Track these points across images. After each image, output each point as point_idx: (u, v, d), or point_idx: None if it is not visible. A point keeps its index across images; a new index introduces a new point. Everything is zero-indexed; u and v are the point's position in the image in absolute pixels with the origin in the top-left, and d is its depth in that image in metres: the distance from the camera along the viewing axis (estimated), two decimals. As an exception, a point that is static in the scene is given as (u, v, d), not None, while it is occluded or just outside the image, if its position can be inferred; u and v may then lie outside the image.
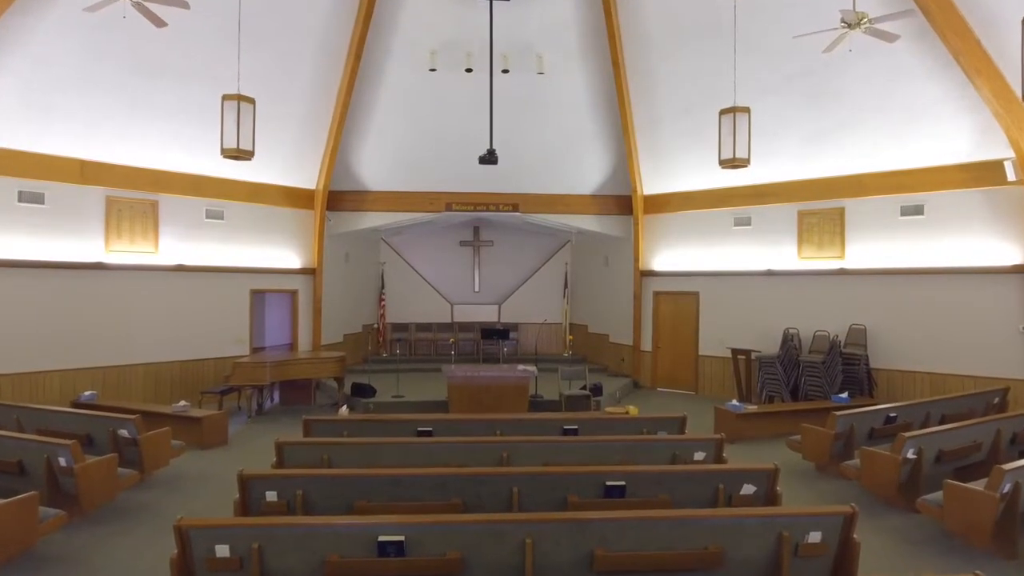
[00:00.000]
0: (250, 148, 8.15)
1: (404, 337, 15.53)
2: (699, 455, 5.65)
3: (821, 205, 11.02)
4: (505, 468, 4.72)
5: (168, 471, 6.95)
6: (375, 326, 11.72)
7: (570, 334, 13.70)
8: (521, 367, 10.16)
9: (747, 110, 8.45)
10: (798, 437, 7.35)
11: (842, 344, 10.27)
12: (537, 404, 10.60)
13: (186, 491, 6.61)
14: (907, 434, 5.82)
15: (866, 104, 9.98)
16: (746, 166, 8.56)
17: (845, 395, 9.37)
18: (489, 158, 9.27)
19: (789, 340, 10.65)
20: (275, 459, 5.40)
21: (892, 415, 7.31)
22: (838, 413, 6.91)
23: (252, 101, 8.09)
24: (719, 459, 5.65)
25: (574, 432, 6.40)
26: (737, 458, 6.70)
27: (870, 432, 7.17)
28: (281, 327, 12.99)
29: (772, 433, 8.90)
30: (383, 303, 15.26)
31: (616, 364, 13.80)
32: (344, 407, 7.98)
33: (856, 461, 6.27)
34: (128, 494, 6.17)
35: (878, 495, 6.03)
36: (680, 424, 6.62)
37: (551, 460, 5.46)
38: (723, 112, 8.57)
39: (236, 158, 8.22)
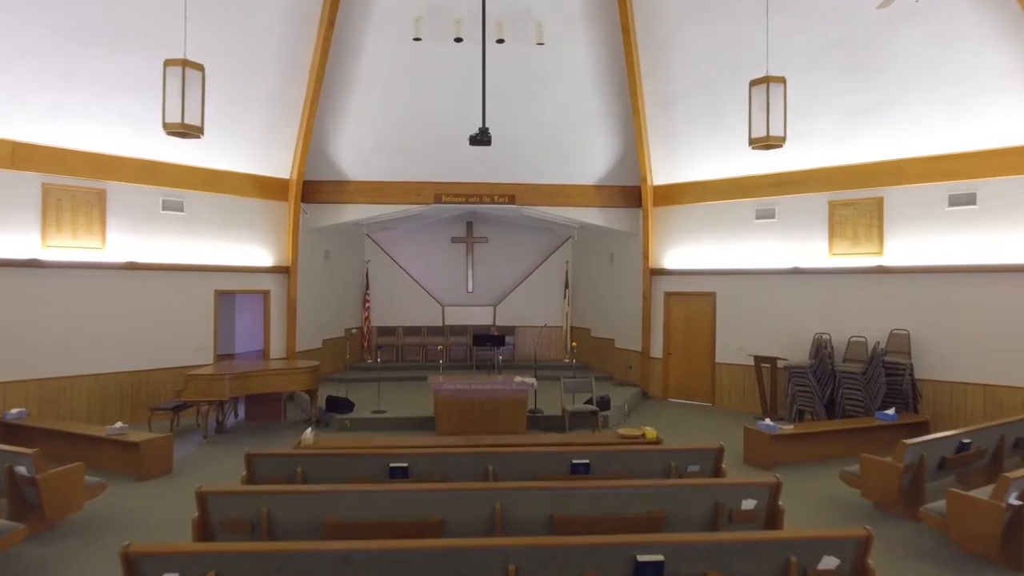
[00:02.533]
0: (198, 124, 6.86)
1: (391, 342, 14.26)
2: (748, 503, 4.39)
3: (856, 194, 9.77)
4: (498, 540, 3.47)
5: (82, 516, 5.64)
6: (353, 331, 10.47)
7: (573, 340, 12.41)
8: (519, 378, 8.89)
9: (782, 80, 7.20)
10: (855, 469, 6.09)
11: (883, 352, 9.02)
12: (537, 420, 9.33)
13: (94, 543, 5.29)
14: (1010, 475, 4.56)
15: (913, 76, 8.74)
16: (781, 145, 7.30)
17: (892, 412, 8.15)
18: (481, 138, 8.01)
19: (823, 348, 9.39)
20: (196, 514, 4.12)
21: (966, 441, 6.06)
22: (908, 442, 5.65)
23: (200, 68, 6.80)
24: (774, 510, 4.39)
25: (585, 469, 5.13)
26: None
27: (941, 462, 5.92)
28: (253, 332, 11.73)
29: (811, 457, 7.65)
30: (367, 305, 13.99)
31: (623, 372, 12.54)
32: (309, 431, 6.70)
33: (939, 505, 5.01)
34: (20, 550, 4.87)
35: (974, 551, 4.78)
36: (715, 458, 5.35)
37: (559, 511, 4.22)
38: (754, 83, 7.32)
39: (182, 135, 6.89)
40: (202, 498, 4.11)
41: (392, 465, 5.10)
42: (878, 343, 9.01)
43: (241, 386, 8.54)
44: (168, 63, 6.68)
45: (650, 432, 7.05)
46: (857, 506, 6.11)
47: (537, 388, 9.15)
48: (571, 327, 14.14)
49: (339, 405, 9.46)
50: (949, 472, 6.14)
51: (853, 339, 9.58)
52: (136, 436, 7.07)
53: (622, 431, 7.10)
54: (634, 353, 12.30)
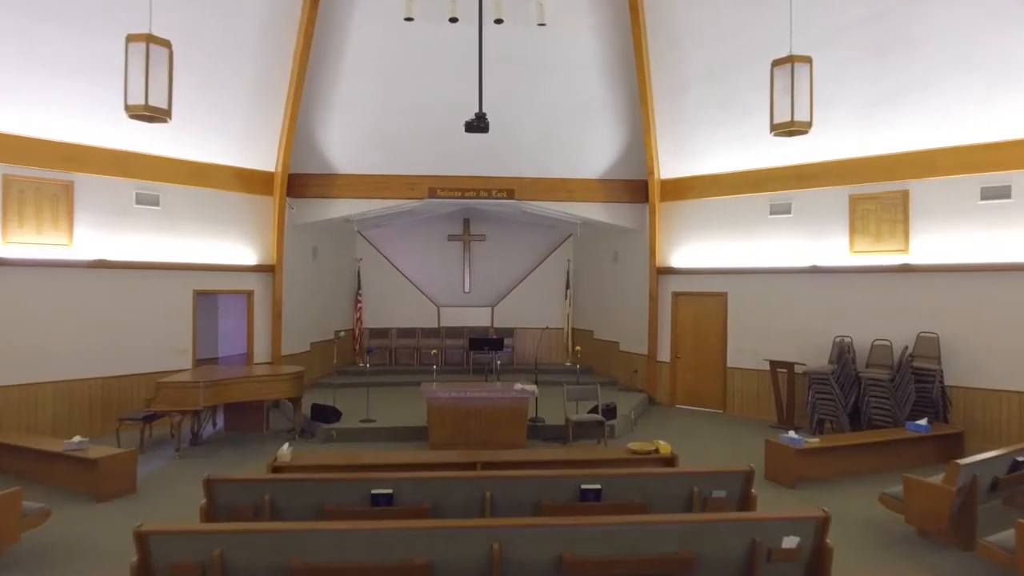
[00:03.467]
0: (164, 106, 6.18)
1: (383, 345, 13.59)
2: (789, 541, 3.73)
3: (880, 188, 9.12)
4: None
5: (20, 548, 4.96)
6: (341, 333, 9.79)
7: (576, 344, 11.75)
8: (519, 386, 8.23)
9: (808, 59, 6.57)
10: (896, 492, 5.43)
11: (910, 357, 8.37)
12: (537, 430, 8.67)
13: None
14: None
15: (946, 59, 8.09)
16: (806, 131, 6.65)
17: (924, 422, 7.50)
18: (478, 124, 7.35)
19: (845, 352, 8.73)
20: (136, 558, 3.45)
21: (1020, 459, 5.41)
22: (961, 462, 4.99)
23: (167, 44, 6.12)
24: (821, 549, 3.74)
25: (596, 496, 4.47)
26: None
27: (993, 483, 5.28)
28: (237, 335, 11.06)
29: (838, 472, 7.01)
30: (359, 306, 13.32)
31: (628, 377, 11.88)
32: (286, 446, 6.03)
33: (1003, 537, 4.35)
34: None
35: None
36: (744, 482, 4.70)
37: (568, 550, 3.57)
38: (777, 63, 6.68)
39: (148, 119, 6.23)
40: (142, 540, 3.43)
41: (374, 492, 4.43)
42: (906, 347, 8.36)
43: (217, 395, 7.86)
44: (131, 38, 6.03)
45: (664, 447, 6.41)
46: (900, 535, 5.45)
47: (538, 395, 8.49)
48: (572, 329, 13.49)
49: (325, 414, 8.79)
50: (998, 494, 5.50)
51: (877, 343, 8.93)
52: (96, 452, 6.39)
53: (633, 446, 6.45)
54: (640, 357, 11.65)
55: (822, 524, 3.73)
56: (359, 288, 13.38)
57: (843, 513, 6.01)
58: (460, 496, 4.50)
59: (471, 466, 5.99)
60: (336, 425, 8.68)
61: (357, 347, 13.30)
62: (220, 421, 9.28)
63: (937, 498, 5.00)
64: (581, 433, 8.47)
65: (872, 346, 8.96)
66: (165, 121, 6.37)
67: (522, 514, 4.44)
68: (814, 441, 6.88)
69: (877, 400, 8.12)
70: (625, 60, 10.17)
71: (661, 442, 6.48)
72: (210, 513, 4.37)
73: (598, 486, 4.52)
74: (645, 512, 4.42)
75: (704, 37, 9.65)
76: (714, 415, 10.55)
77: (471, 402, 8.11)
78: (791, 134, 6.73)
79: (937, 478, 5.14)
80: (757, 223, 10.29)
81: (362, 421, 8.87)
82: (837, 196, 9.50)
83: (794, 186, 9.89)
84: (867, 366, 8.87)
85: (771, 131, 6.72)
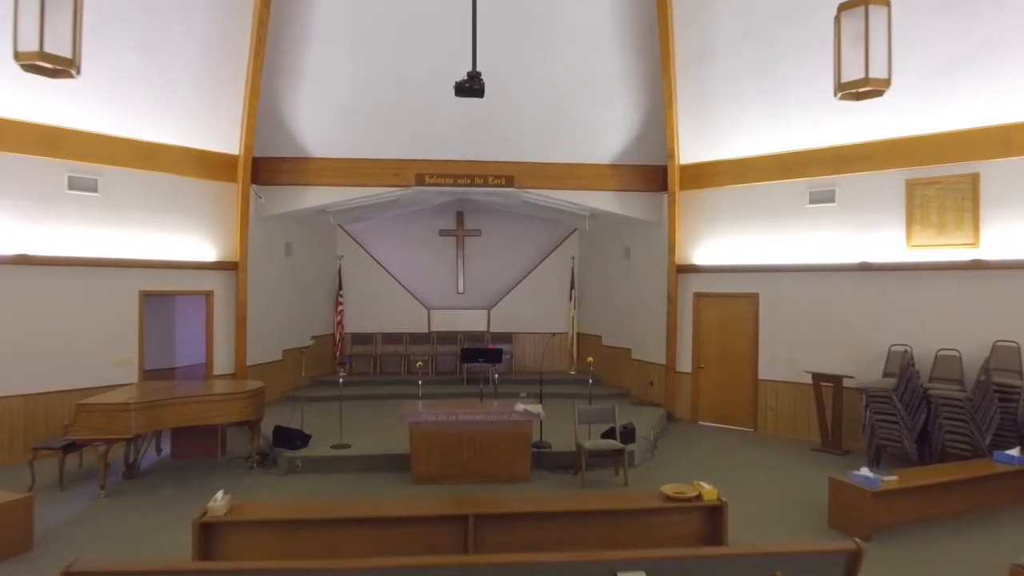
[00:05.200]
0: (67, 54, 4.77)
1: (367, 352, 12.18)
2: None
3: (943, 170, 7.77)
4: None
5: None
6: (311, 341, 8.40)
7: (587, 354, 10.34)
8: (521, 406, 6.83)
9: (886, 2, 5.24)
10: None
11: (988, 370, 7.01)
12: (543, 457, 7.27)
13: None
14: None
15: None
16: (883, 91, 5.32)
17: (1016, 452, 6.13)
18: (471, 86, 5.97)
19: (909, 365, 7.36)
20: None
21: None
22: None
23: (71, -25, 4.71)
24: None
25: (641, 590, 3.08)
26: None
27: None
28: (200, 342, 9.61)
29: (918, 516, 5.63)
30: (340, 308, 11.91)
31: (642, 389, 10.50)
32: (220, 494, 4.64)
33: None
34: None
35: None
36: (847, 565, 3.31)
37: None
38: (844, 7, 5.36)
39: (47, 72, 4.82)
40: None
41: (316, 586, 3.03)
42: (986, 360, 6.98)
43: (152, 419, 6.44)
44: (21, -35, 4.60)
45: (708, 492, 5.02)
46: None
47: (543, 418, 7.09)
48: (578, 334, 12.12)
49: (289, 439, 7.37)
50: None
51: (942, 353, 7.58)
52: (-20, 498, 4.97)
53: (669, 489, 5.06)
54: (656, 366, 10.27)
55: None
56: (340, 288, 11.98)
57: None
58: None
59: (460, 520, 4.60)
60: (302, 452, 7.27)
61: (338, 354, 11.90)
62: (165, 447, 7.85)
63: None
64: (595, 461, 7.07)
65: (936, 357, 7.61)
66: (71, 75, 4.92)
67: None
68: (890, 479, 5.50)
69: (952, 423, 6.75)
70: (644, 22, 8.80)
71: (704, 484, 5.10)
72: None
73: (641, 573, 3.13)
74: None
75: (738, -6, 8.29)
76: (744, 435, 9.17)
77: (463, 426, 6.72)
78: (861, 96, 5.43)
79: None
80: (794, 213, 8.92)
81: (334, 447, 7.45)
82: (891, 181, 8.14)
83: (838, 170, 8.52)
84: (930, 380, 7.51)
85: (836, 93, 5.38)
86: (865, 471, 5.47)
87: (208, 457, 7.67)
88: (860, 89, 5.31)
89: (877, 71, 5.22)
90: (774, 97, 8.59)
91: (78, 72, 4.88)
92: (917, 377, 7.35)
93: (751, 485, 6.86)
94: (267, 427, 7.77)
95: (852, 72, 5.30)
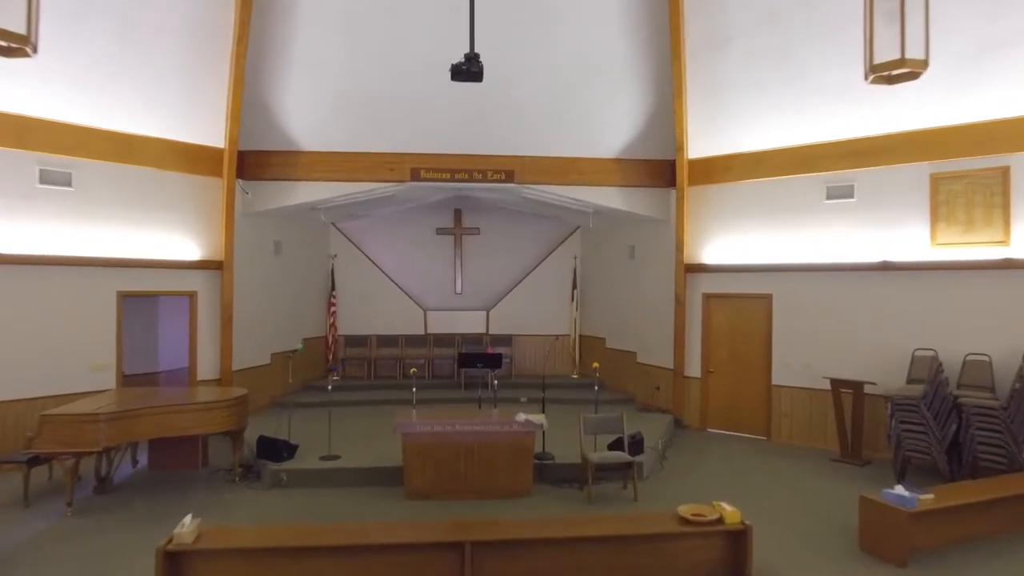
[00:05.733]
0: (22, 31, 4.32)
1: (362, 355, 11.70)
2: None
3: (972, 163, 7.31)
4: None
5: None
6: (299, 346, 7.91)
7: (592, 358, 9.85)
8: (522, 416, 6.36)
9: (923, -27, 4.78)
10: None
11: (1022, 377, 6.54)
12: (545, 470, 6.79)
13: None
14: None
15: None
16: (920, 73, 4.89)
17: (1059, 466, 5.66)
18: (468, 69, 5.50)
19: (938, 371, 6.89)
20: None
21: None
22: None
23: (24, -58, 4.23)
24: None
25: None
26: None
27: None
28: (184, 344, 9.12)
29: (957, 538, 5.15)
30: (333, 310, 11.43)
31: (648, 394, 10.03)
32: (188, 519, 4.17)
33: None
34: None
35: None
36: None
37: None
38: (876, -23, 4.89)
39: (4, 51, 4.37)
40: None
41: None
42: (1021, 366, 6.51)
43: (124, 430, 5.95)
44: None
45: (730, 514, 4.55)
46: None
47: (546, 429, 6.62)
48: (580, 336, 11.65)
49: (274, 450, 6.89)
50: None
51: (970, 358, 7.11)
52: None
53: (687, 511, 4.60)
54: (663, 371, 9.80)
55: None
56: (333, 289, 11.51)
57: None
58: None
59: (456, 547, 4.13)
60: (288, 465, 6.78)
61: (331, 357, 11.43)
62: (144, 455, 7.37)
63: None
64: (602, 474, 6.60)
65: (964, 362, 7.14)
66: (26, 53, 4.46)
67: None
68: (928, 498, 5.03)
69: (986, 434, 6.28)
70: (652, 6, 8.34)
71: (725, 505, 4.63)
72: None
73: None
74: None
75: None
76: (757, 443, 8.70)
77: (460, 438, 6.25)
78: (894, 80, 5.00)
79: None
80: (810, 210, 8.45)
81: (322, 458, 6.97)
82: (914, 175, 7.67)
83: (857, 164, 8.06)
84: (958, 387, 7.05)
85: (867, 76, 4.94)
86: (900, 489, 5.00)
87: (188, 469, 7.19)
88: (895, 71, 4.87)
89: (914, 51, 4.77)
90: (790, 86, 8.13)
91: (34, 51, 4.42)
92: (946, 384, 6.89)
93: (769, 500, 6.38)
94: (252, 436, 7.29)
95: (886, 52, 4.84)
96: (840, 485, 6.83)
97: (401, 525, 4.90)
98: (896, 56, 4.72)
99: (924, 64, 4.74)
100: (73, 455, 5.77)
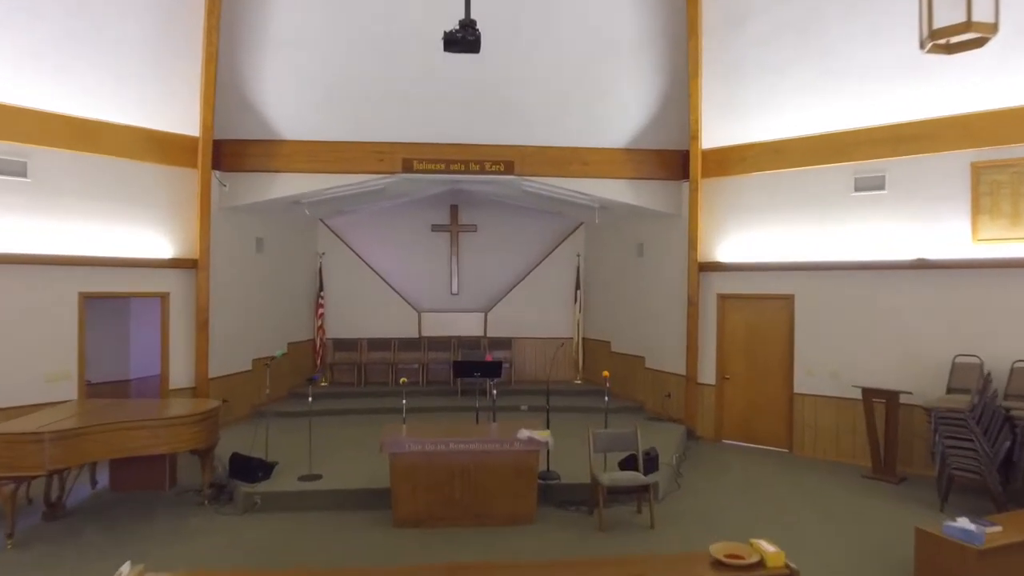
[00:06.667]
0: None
1: (351, 359, 11.00)
2: None
3: (1018, 152, 6.64)
4: None
5: None
6: (278, 353, 7.22)
7: (596, 363, 9.17)
8: (526, 432, 5.65)
9: (992, -76, 4.09)
10: None
11: (1082, 387, 5.88)
12: (550, 492, 6.09)
13: None
14: None
15: None
16: (986, 40, 4.24)
17: None
18: (463, 37, 4.80)
19: (987, 381, 6.21)
20: None
21: None
22: None
23: None
24: None
25: None
26: None
27: None
28: (158, 350, 8.42)
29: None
30: (321, 312, 10.72)
31: (658, 402, 9.35)
32: (126, 567, 3.48)
33: None
34: None
35: None
36: None
37: None
38: (939, -73, 4.21)
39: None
40: None
41: None
42: (1084, 375, 5.85)
43: (73, 451, 5.24)
44: None
45: (772, 556, 3.85)
46: None
47: (552, 447, 5.91)
48: (584, 339, 10.97)
49: (248, 469, 6.18)
50: None
51: (1018, 365, 6.45)
52: None
53: (721, 550, 3.89)
54: (674, 377, 9.11)
55: None
56: (321, 290, 10.80)
57: None
58: None
59: (450, 602, 3.42)
60: (263, 487, 6.07)
61: (319, 362, 10.73)
62: (105, 475, 6.65)
63: None
64: (614, 498, 5.90)
65: (1012, 370, 6.48)
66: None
67: None
68: (996, 531, 4.34)
69: (1046, 452, 5.61)
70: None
71: (764, 544, 3.93)
72: None
73: None
74: None
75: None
76: (777, 456, 8.02)
77: (455, 457, 5.54)
78: (954, 49, 4.37)
79: None
80: (836, 203, 7.77)
81: (302, 478, 6.26)
82: (953, 164, 7.00)
83: (890, 152, 7.38)
84: (1005, 398, 6.37)
85: (923, 45, 4.31)
86: (964, 522, 4.31)
87: (154, 489, 6.48)
88: (958, 38, 4.21)
89: (982, 13, 4.10)
90: (815, 65, 7.46)
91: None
92: (996, 396, 6.21)
93: (803, 526, 5.70)
94: (228, 450, 6.59)
95: (948, 16, 4.17)
96: (878, 506, 6.16)
97: (380, 572, 4.16)
98: (962, 19, 4.06)
99: (994, 28, 4.10)
100: (13, 480, 5.06)
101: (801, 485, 6.87)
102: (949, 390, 6.75)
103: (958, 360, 6.79)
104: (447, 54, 6.47)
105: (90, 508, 6.09)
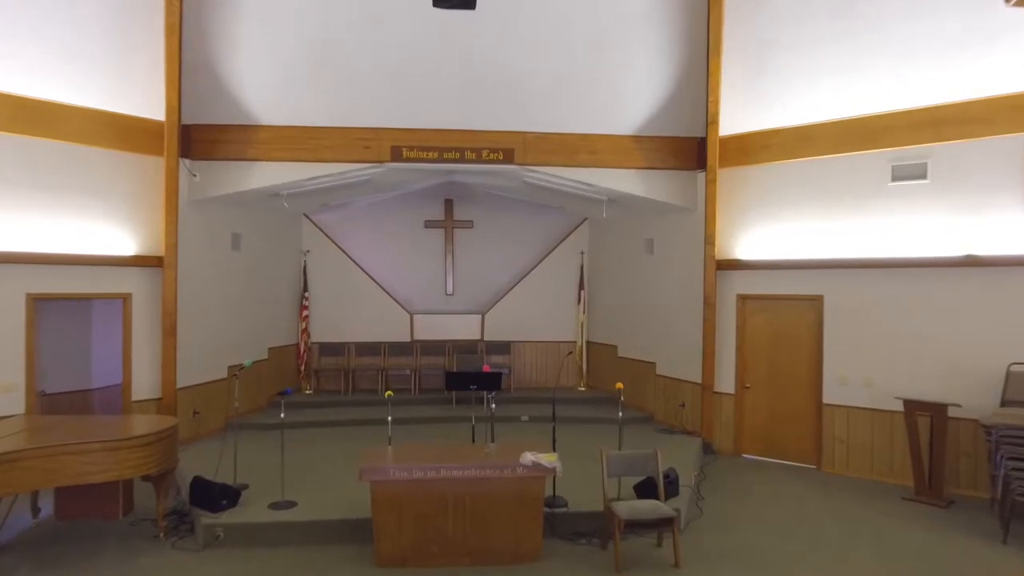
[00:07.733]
0: None
1: (337, 365, 10.23)
2: None
3: (1083, 134, 5.91)
4: None
5: None
6: (247, 362, 6.46)
7: (602, 368, 8.41)
8: (530, 456, 4.87)
9: None
10: None
11: None
12: (555, 522, 5.31)
13: None
14: None
15: None
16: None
17: None
18: (456, -10, 4.03)
19: (1055, 392, 5.47)
20: None
21: None
22: None
23: None
24: None
25: None
26: None
27: None
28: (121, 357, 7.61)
29: None
30: (305, 314, 9.94)
31: (671, 413, 8.60)
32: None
33: None
34: None
35: None
36: None
37: None
38: None
39: None
40: None
41: None
42: None
43: (1, 480, 4.44)
44: None
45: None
46: None
47: (560, 472, 5.13)
48: (588, 343, 10.22)
49: (210, 496, 5.38)
50: None
51: (1085, 374, 5.71)
52: None
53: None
54: (688, 385, 8.36)
55: None
56: (305, 290, 10.02)
57: None
58: None
59: None
60: (226, 518, 5.28)
61: (303, 369, 9.94)
62: (49, 502, 5.85)
63: None
64: (630, 530, 5.13)
65: (1077, 380, 5.74)
66: None
67: None
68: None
69: None
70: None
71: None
72: None
73: None
74: None
75: None
76: (805, 473, 7.27)
77: (448, 484, 4.77)
78: None
79: None
80: (871, 194, 7.02)
81: (273, 506, 5.48)
82: (1007, 149, 6.26)
83: (931, 138, 6.63)
84: (1071, 411, 5.63)
85: (1011, -4, 3.48)
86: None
87: (105, 519, 5.69)
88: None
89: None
90: (849, 42, 6.72)
91: None
92: (1064, 409, 5.47)
93: (852, 564, 4.94)
94: (193, 469, 5.82)
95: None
96: (933, 538, 5.41)
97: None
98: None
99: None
100: (-77, 516, 4.27)
101: (839, 510, 6.10)
102: (1004, 402, 6.02)
103: (1013, 369, 6.05)
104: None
105: (29, 542, 5.29)
